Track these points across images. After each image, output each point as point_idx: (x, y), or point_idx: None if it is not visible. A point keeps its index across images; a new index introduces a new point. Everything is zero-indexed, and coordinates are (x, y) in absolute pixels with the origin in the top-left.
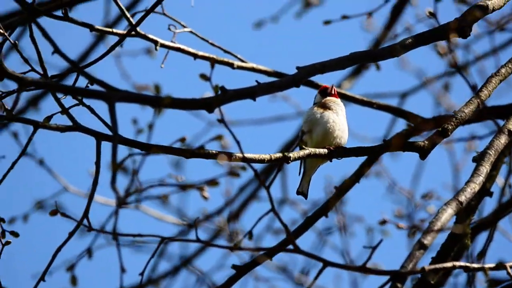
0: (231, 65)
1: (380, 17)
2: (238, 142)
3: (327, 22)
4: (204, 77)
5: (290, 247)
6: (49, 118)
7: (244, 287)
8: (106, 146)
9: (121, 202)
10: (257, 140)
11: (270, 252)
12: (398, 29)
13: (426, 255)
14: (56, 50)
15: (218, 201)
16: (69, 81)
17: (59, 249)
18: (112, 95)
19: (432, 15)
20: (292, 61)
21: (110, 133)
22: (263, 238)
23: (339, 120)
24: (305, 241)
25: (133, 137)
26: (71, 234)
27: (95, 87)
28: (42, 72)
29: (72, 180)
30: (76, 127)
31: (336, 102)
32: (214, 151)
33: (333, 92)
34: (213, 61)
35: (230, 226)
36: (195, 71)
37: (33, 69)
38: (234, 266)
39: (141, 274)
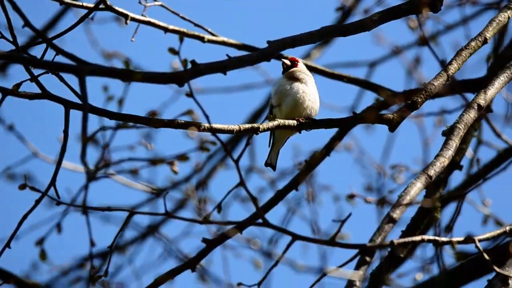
0: (201, 38)
1: None
2: (206, 116)
3: None
4: (173, 51)
5: (260, 221)
6: (18, 85)
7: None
8: (76, 116)
9: (91, 176)
10: (226, 108)
11: (240, 226)
12: (370, 1)
13: (395, 228)
14: (27, 23)
15: (186, 169)
16: (39, 51)
17: (25, 217)
18: (82, 69)
19: None
20: (264, 34)
21: (79, 101)
22: (230, 206)
23: (309, 90)
24: (276, 212)
25: (103, 105)
26: (36, 203)
27: (62, 58)
28: (12, 40)
29: (42, 147)
30: (45, 94)
31: (302, 71)
32: (183, 121)
33: (288, 64)
34: (182, 36)
35: (198, 194)
36: (166, 45)
37: (3, 37)
38: (204, 240)
39: (110, 247)
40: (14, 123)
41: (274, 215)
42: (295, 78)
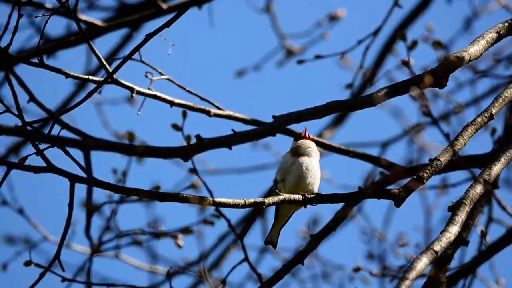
0: (207, 112)
1: (358, 58)
2: (210, 192)
3: (300, 62)
4: (176, 127)
5: None
6: (24, 159)
7: None
8: (83, 190)
9: (95, 250)
10: (238, 189)
11: None
12: (378, 74)
13: None
14: (32, 98)
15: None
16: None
17: None
18: (86, 143)
19: (406, 64)
20: (272, 109)
21: (84, 175)
22: (244, 286)
23: (312, 166)
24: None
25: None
26: (40, 277)
27: (70, 134)
28: (20, 119)
29: (52, 227)
30: (50, 168)
31: (309, 146)
32: (187, 195)
33: (306, 135)
34: (185, 112)
35: (210, 275)
36: (174, 119)
37: (14, 114)
38: None
39: None
40: (21, 200)
41: None
42: (300, 154)
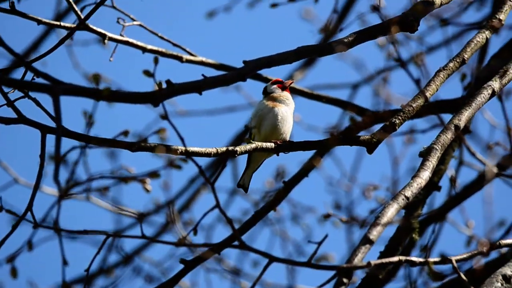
0: (180, 58)
1: (329, 3)
2: (181, 138)
3: (273, 5)
4: (147, 73)
5: (236, 243)
6: None
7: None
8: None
9: (63, 195)
10: (209, 130)
11: (217, 248)
12: (349, 18)
13: (373, 248)
14: (1, 43)
15: (170, 192)
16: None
17: (1, 243)
18: (55, 88)
19: (376, 9)
20: (243, 54)
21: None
22: (215, 229)
23: (287, 116)
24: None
25: (83, 130)
26: (13, 228)
27: (41, 80)
28: None
29: (23, 171)
30: (21, 119)
31: (287, 98)
32: (157, 144)
33: (286, 86)
34: (156, 58)
35: (180, 218)
36: (146, 65)
37: None
38: (182, 261)
39: (87, 270)
40: None
41: (254, 236)
42: (276, 102)
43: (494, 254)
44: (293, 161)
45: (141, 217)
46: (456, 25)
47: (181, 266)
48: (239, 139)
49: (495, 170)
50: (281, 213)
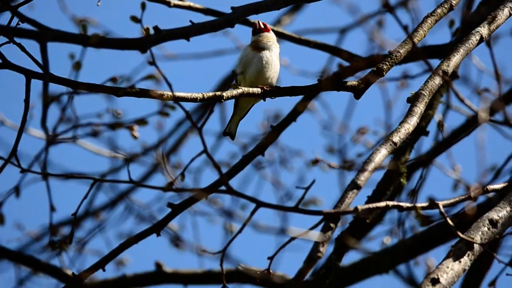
0: (167, 3)
1: None
2: (169, 83)
3: None
4: (134, 19)
5: (223, 187)
6: None
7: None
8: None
9: (51, 140)
10: (197, 74)
11: (204, 192)
12: None
13: (360, 194)
14: None
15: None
16: (4, 19)
17: None
18: (43, 34)
19: None
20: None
21: (41, 71)
22: (203, 172)
23: (272, 60)
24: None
25: (69, 75)
26: None
27: (27, 26)
28: None
29: (10, 114)
30: (5, 64)
31: (269, 40)
32: (144, 90)
33: (261, 27)
34: (143, 4)
35: (168, 161)
36: (135, 9)
37: None
38: (169, 205)
39: (74, 214)
40: None
41: (242, 180)
42: (260, 48)
43: (481, 199)
44: (285, 106)
45: (128, 160)
46: None
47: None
48: (226, 84)
49: (484, 115)
50: (271, 157)
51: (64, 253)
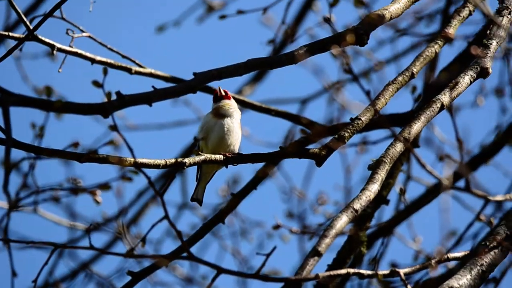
0: (129, 70)
1: (280, 14)
2: (131, 149)
3: (222, 17)
4: (96, 84)
5: (185, 254)
6: None
7: None
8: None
9: (13, 205)
10: (158, 144)
11: (165, 259)
12: (299, 31)
13: (322, 261)
14: None
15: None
16: None
17: None
18: (5, 99)
19: (327, 21)
20: (193, 66)
21: (3, 136)
22: (163, 243)
23: (233, 127)
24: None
25: (32, 141)
26: None
27: None
28: None
29: None
30: None
31: (230, 107)
32: (106, 156)
33: (222, 94)
34: (106, 68)
35: (128, 231)
36: (95, 76)
37: None
38: (129, 273)
39: (34, 281)
40: None
41: (204, 250)
42: (221, 115)
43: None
44: (247, 172)
45: (88, 230)
46: (410, 35)
47: (129, 278)
48: (188, 153)
49: (448, 180)
50: (230, 227)
51: None
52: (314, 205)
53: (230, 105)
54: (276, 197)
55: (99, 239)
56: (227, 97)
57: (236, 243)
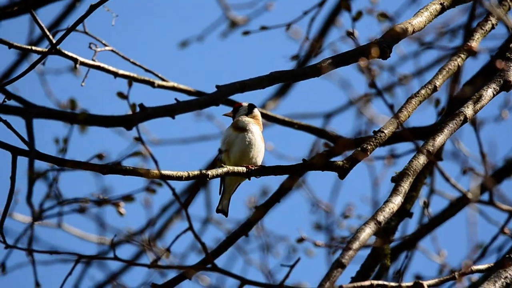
0: (151, 83)
1: (303, 29)
2: (155, 161)
3: (245, 33)
4: (121, 95)
5: (209, 265)
6: None
7: None
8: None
9: (37, 217)
10: (181, 159)
11: (189, 271)
12: (323, 46)
13: (345, 274)
14: None
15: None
16: None
17: None
18: (29, 111)
19: (350, 35)
20: (216, 80)
21: (27, 148)
22: (188, 257)
23: (255, 139)
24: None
25: (55, 154)
26: None
27: (13, 103)
28: None
29: None
30: None
31: (249, 121)
32: (131, 167)
33: (241, 106)
34: (131, 81)
35: (154, 244)
36: (117, 90)
37: None
38: (153, 285)
39: None
40: None
41: (230, 261)
42: (241, 128)
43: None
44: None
45: (114, 244)
46: (434, 49)
47: None
48: (211, 168)
49: (472, 195)
50: (254, 240)
51: None
52: (340, 219)
53: (249, 119)
54: (302, 210)
55: (127, 251)
56: (251, 113)
57: (261, 257)
